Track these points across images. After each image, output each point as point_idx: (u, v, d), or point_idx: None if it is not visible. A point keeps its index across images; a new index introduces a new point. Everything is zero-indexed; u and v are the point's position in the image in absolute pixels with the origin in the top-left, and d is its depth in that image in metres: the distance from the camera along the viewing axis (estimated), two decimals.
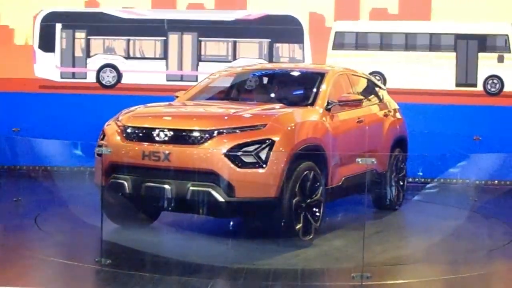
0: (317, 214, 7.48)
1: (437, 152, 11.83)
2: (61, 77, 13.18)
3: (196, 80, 11.50)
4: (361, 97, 8.81)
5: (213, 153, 6.91)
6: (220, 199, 6.88)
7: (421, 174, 12.25)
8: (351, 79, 9.01)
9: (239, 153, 6.91)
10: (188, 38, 13.07)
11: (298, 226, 7.23)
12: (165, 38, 13.05)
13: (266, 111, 7.59)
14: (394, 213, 9.51)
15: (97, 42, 13.20)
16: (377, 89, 9.79)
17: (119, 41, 13.17)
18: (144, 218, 8.07)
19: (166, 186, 6.99)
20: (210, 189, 6.90)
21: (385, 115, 9.48)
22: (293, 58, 13.01)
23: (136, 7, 13.05)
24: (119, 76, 13.09)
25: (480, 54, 12.76)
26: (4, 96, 12.76)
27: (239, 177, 6.90)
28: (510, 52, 12.68)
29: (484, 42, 12.74)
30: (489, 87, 12.70)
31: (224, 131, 7.03)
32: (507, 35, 12.69)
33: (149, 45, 13.16)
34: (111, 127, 7.55)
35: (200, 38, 13.04)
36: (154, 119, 7.52)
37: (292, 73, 9.21)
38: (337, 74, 8.67)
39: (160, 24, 13.00)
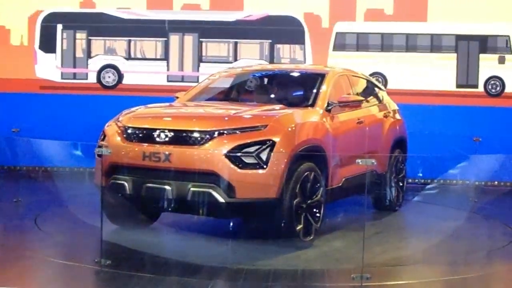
0: (318, 215, 7.48)
1: (437, 153, 11.83)
2: (62, 78, 13.18)
3: (197, 81, 11.48)
4: (361, 98, 8.82)
5: (214, 154, 6.92)
6: (221, 199, 6.89)
7: (421, 175, 12.25)
8: (351, 80, 9.01)
9: (240, 154, 6.92)
10: (189, 39, 13.07)
11: (299, 227, 7.23)
12: (166, 39, 13.06)
13: (267, 112, 7.59)
14: (394, 214, 9.52)
15: (98, 43, 13.20)
16: (376, 90, 9.80)
17: (120, 41, 13.17)
18: (144, 218, 8.07)
19: (167, 187, 6.99)
20: (210, 190, 6.90)
21: (385, 116, 9.49)
22: (294, 59, 13.01)
23: (132, 7, 13.05)
24: (120, 76, 13.10)
25: (481, 55, 12.75)
26: (3, 96, 12.77)
27: (240, 178, 6.90)
28: (511, 53, 12.67)
29: (485, 43, 12.73)
30: (490, 88, 12.69)
31: (225, 132, 7.04)
32: (508, 36, 12.68)
33: (150, 46, 13.16)
34: (111, 128, 7.55)
35: (201, 39, 13.04)
36: (155, 120, 7.53)
37: (292, 74, 9.21)
38: (337, 75, 8.68)
39: (161, 25, 13.01)
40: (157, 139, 7.11)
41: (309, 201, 7.35)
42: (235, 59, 12.96)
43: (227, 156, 6.90)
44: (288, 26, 12.92)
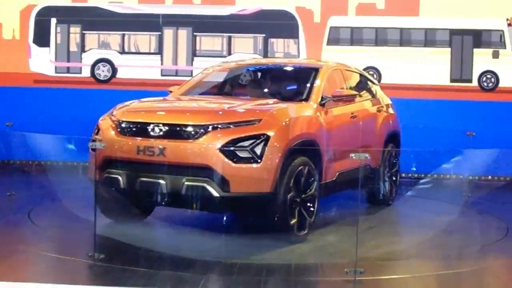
0: (312, 209, 7.49)
1: (430, 147, 11.84)
2: (56, 72, 13.15)
3: (191, 75, 11.46)
4: (355, 92, 8.81)
5: (208, 148, 6.91)
6: (215, 194, 6.88)
7: (414, 169, 12.26)
8: (344, 74, 9.02)
9: (234, 148, 6.91)
10: (183, 33, 13.05)
11: (293, 221, 7.23)
12: (160, 33, 13.03)
13: (261, 106, 7.59)
14: (387, 209, 9.53)
15: (92, 37, 13.16)
16: (370, 84, 9.81)
17: (114, 35, 13.14)
18: (138, 213, 8.07)
19: (161, 181, 6.98)
20: (205, 184, 6.90)
21: (378, 110, 9.50)
22: (288, 53, 13.00)
23: (124, 1, 13.01)
24: (114, 71, 13.07)
25: (475, 50, 12.75)
26: None
27: (234, 172, 6.90)
28: (505, 48, 12.68)
29: (479, 38, 12.74)
30: (484, 82, 12.71)
31: (219, 126, 7.03)
32: (502, 30, 12.68)
33: (144, 40, 13.13)
34: (105, 122, 7.54)
35: (195, 33, 13.02)
36: (149, 114, 7.52)
37: (286, 68, 9.21)
38: (331, 69, 8.68)
39: (155, 19, 12.98)
40: (151, 133, 7.10)
41: (303, 195, 7.35)
42: (229, 53, 12.94)
43: (221, 150, 6.89)
44: (282, 20, 12.90)
